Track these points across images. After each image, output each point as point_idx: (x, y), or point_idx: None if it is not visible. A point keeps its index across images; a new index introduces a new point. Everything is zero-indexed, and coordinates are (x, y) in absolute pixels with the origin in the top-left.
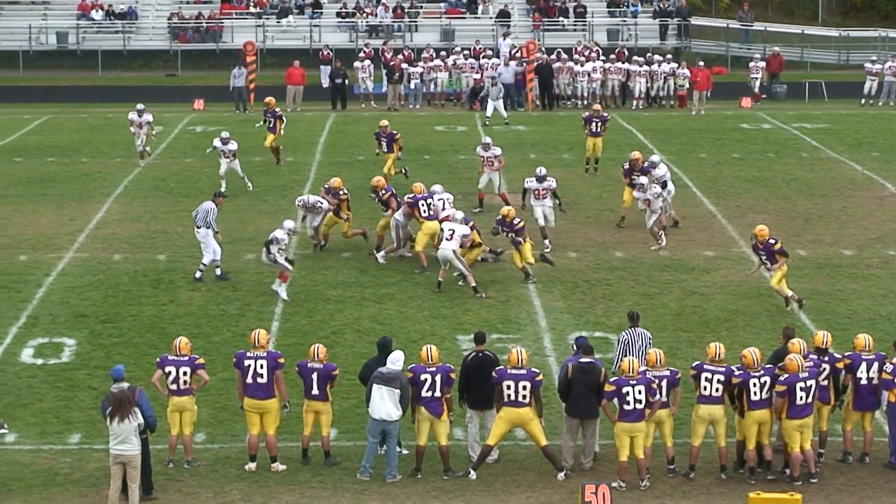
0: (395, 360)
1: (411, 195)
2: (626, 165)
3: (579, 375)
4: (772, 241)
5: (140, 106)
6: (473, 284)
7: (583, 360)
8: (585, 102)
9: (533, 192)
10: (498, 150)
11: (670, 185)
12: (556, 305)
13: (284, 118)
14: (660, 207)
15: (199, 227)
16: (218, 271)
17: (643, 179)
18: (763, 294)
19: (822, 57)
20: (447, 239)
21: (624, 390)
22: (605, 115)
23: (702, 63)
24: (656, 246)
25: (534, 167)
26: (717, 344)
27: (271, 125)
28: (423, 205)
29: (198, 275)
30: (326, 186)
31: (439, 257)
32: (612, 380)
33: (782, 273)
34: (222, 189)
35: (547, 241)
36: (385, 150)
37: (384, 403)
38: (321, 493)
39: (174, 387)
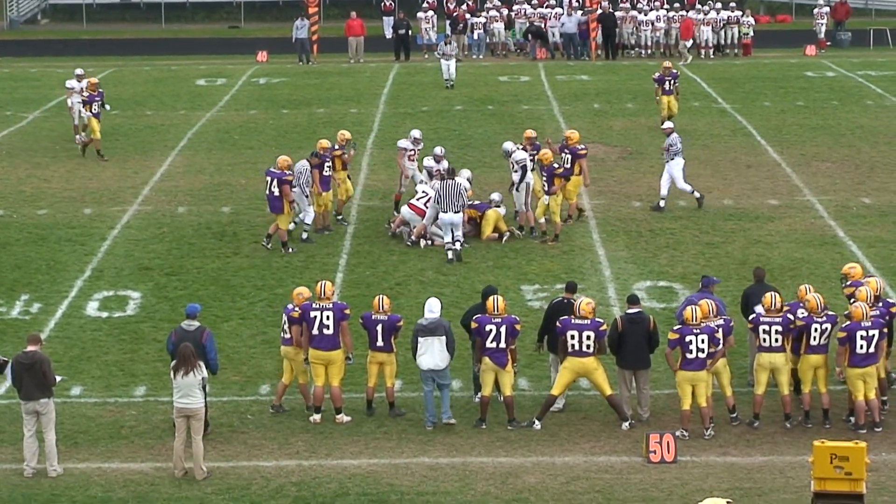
0: (433, 308)
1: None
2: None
3: (630, 326)
4: (555, 166)
5: (79, 71)
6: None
7: (630, 310)
8: (649, 52)
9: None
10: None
11: (529, 176)
12: (620, 255)
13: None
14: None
15: (294, 187)
16: (304, 234)
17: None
18: (828, 242)
19: (887, 4)
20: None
21: (687, 339)
22: (676, 71)
23: (686, 12)
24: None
25: (598, 117)
26: (773, 293)
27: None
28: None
29: (304, 236)
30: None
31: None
32: (675, 328)
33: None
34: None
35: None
36: None
37: (432, 354)
38: (386, 445)
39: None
